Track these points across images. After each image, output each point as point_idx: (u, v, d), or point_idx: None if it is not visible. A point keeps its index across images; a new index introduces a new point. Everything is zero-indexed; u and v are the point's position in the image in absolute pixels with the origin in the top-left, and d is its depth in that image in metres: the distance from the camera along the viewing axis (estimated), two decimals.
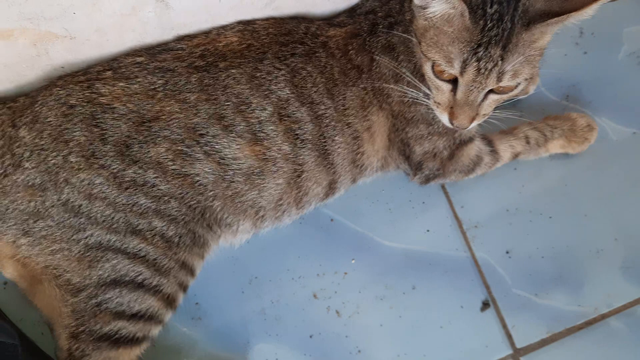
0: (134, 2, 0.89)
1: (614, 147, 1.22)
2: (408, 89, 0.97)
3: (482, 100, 0.89)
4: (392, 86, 1.00)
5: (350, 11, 1.07)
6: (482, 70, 0.84)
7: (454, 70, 0.85)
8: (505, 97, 0.90)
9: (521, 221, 1.16)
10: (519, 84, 0.88)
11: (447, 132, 1.02)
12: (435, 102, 0.93)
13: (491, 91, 0.88)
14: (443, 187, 1.17)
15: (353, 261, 1.12)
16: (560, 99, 1.26)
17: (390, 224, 1.14)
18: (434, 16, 0.85)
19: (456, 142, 1.05)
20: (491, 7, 0.81)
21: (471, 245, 1.13)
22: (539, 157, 1.17)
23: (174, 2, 0.92)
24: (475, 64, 0.83)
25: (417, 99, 0.97)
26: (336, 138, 1.00)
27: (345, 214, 1.15)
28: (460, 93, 0.87)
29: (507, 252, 1.12)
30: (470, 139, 1.07)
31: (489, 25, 0.81)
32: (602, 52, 1.32)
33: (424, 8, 0.86)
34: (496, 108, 0.96)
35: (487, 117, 0.94)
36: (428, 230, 1.14)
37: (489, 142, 1.11)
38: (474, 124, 0.92)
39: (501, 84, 0.86)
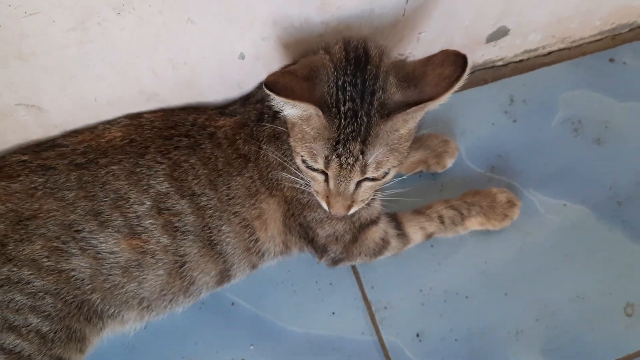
0: (2, 109, 0.87)
1: (542, 221, 1.15)
2: (293, 177, 0.95)
3: (356, 189, 0.86)
4: (279, 173, 0.96)
5: (244, 99, 1.05)
6: (345, 165, 0.82)
7: (319, 166, 0.84)
8: (380, 183, 0.88)
9: (435, 301, 1.09)
10: (388, 171, 0.85)
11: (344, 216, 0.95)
12: (314, 190, 0.91)
13: (366, 179, 0.85)
14: (353, 266, 1.11)
15: (252, 347, 1.06)
16: (485, 170, 1.19)
17: (294, 307, 1.08)
18: (292, 116, 0.83)
19: (356, 225, 1.01)
20: (344, 105, 0.79)
21: (379, 328, 1.06)
22: (458, 234, 1.10)
23: (47, 105, 0.90)
24: (336, 159, 0.81)
25: (307, 185, 0.94)
26: (222, 228, 0.97)
27: (247, 297, 1.09)
28: (331, 184, 0.86)
29: (418, 335, 1.06)
30: (373, 222, 1.02)
31: (343, 123, 0.79)
32: (534, 119, 1.24)
33: (281, 111, 0.84)
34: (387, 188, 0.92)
35: (367, 201, 0.91)
36: (333, 313, 1.08)
37: (398, 223, 1.06)
38: (352, 210, 0.89)
39: (367, 175, 0.84)
